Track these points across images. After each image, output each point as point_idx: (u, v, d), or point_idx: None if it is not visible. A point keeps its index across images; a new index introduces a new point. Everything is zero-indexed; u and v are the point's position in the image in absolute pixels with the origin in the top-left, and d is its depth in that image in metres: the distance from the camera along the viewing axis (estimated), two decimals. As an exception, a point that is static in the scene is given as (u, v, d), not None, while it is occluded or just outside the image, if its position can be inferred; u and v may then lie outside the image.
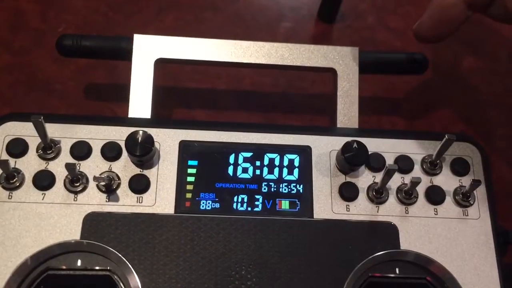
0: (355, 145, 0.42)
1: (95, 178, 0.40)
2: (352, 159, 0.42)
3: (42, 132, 0.40)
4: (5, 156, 0.42)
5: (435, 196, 0.44)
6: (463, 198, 0.44)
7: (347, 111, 0.48)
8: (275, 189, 0.44)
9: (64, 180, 0.42)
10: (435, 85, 0.59)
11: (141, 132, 0.41)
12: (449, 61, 0.61)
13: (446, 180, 0.45)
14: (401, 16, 0.63)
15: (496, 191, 0.45)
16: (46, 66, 0.56)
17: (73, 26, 0.59)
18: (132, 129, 0.43)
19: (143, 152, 0.41)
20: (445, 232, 0.43)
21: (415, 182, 0.41)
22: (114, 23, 0.59)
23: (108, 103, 0.55)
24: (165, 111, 0.55)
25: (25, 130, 0.43)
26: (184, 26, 0.60)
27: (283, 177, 0.44)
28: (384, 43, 0.61)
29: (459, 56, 0.61)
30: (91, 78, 0.56)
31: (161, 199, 0.42)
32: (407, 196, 0.43)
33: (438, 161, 0.44)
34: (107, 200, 0.42)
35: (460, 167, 0.45)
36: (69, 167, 0.40)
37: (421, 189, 0.44)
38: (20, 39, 0.57)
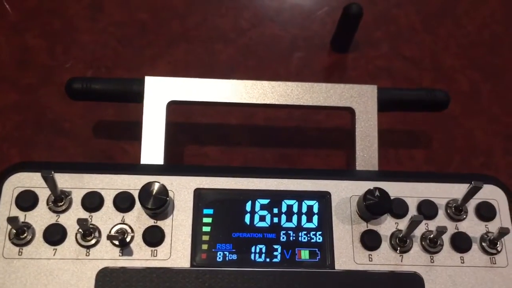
0: (377, 193, 0.41)
1: (108, 237, 0.38)
2: (374, 207, 0.41)
3: (52, 186, 0.39)
4: (14, 210, 0.41)
5: (461, 243, 0.42)
6: (490, 245, 0.42)
7: (366, 152, 0.46)
8: (294, 237, 0.42)
9: (76, 234, 0.40)
10: (454, 115, 0.57)
11: (155, 184, 0.40)
12: (467, 90, 0.59)
13: (472, 226, 0.43)
14: (416, 45, 0.61)
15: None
16: (54, 104, 0.55)
17: (81, 61, 0.57)
18: (145, 178, 0.41)
19: (158, 205, 0.39)
20: (473, 281, 0.41)
21: (441, 231, 0.40)
22: (123, 58, 0.58)
23: (119, 141, 0.54)
24: (177, 149, 0.54)
25: (34, 181, 0.41)
26: (195, 59, 0.58)
27: (302, 225, 0.42)
28: (399, 73, 0.59)
29: (478, 84, 0.59)
30: (101, 116, 0.55)
31: (176, 251, 0.41)
32: (432, 244, 0.42)
33: (463, 207, 0.43)
34: (121, 255, 0.40)
35: (486, 212, 0.43)
36: (81, 222, 0.38)
37: (446, 236, 0.42)
38: (27, 76, 0.56)
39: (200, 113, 0.56)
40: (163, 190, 0.40)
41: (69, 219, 0.41)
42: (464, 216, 0.43)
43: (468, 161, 0.55)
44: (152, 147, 0.45)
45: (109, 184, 0.42)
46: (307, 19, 0.62)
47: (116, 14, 0.60)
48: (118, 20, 0.59)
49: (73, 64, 0.57)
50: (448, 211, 0.43)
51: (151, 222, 0.41)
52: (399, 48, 0.61)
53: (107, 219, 0.41)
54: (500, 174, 0.54)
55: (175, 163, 0.52)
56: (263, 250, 0.41)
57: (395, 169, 0.54)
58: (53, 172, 0.38)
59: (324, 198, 0.43)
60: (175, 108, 0.52)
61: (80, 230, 0.40)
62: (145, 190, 0.40)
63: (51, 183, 0.39)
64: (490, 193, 0.44)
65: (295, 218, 0.43)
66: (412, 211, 0.43)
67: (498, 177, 0.46)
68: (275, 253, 0.41)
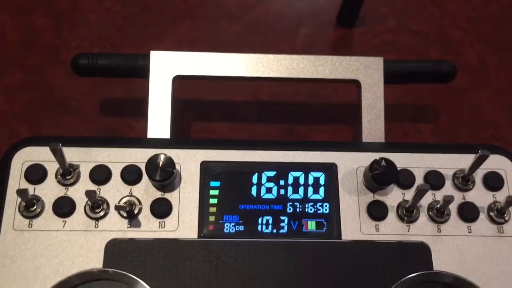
0: (383, 163, 0.41)
1: (116, 207, 0.39)
2: (380, 177, 0.41)
3: (61, 159, 0.39)
4: (23, 183, 0.41)
5: (469, 213, 0.42)
6: (498, 215, 0.42)
7: (373, 124, 0.46)
8: (300, 209, 0.42)
9: (85, 207, 0.41)
10: (461, 88, 0.57)
11: (162, 156, 0.40)
12: (475, 63, 0.59)
13: (479, 196, 0.43)
14: (424, 19, 0.61)
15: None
16: (61, 83, 0.55)
17: (87, 40, 0.57)
18: (152, 151, 0.42)
19: (165, 177, 0.40)
20: (480, 251, 0.41)
21: (448, 201, 0.40)
22: (129, 36, 0.58)
23: (126, 118, 0.54)
24: (184, 125, 0.54)
25: (43, 155, 0.42)
26: (200, 36, 0.58)
27: (309, 196, 0.43)
28: (407, 47, 0.59)
29: (485, 58, 0.59)
30: (108, 94, 0.55)
31: (184, 223, 0.41)
32: (439, 214, 0.42)
33: (470, 176, 0.43)
34: (129, 226, 0.41)
35: (493, 182, 0.43)
36: (89, 194, 0.39)
37: (453, 206, 0.42)
38: (34, 56, 0.56)
39: (207, 90, 0.56)
40: (170, 162, 0.40)
41: (78, 192, 0.41)
42: (471, 186, 0.43)
43: (475, 133, 0.55)
44: (159, 122, 0.45)
45: (117, 158, 0.42)
46: (312, -5, 0.62)
47: (121, -7, 0.60)
48: (122, -1, 0.59)
49: (79, 43, 0.57)
50: (455, 181, 0.43)
51: (158, 194, 0.42)
52: (406, 22, 0.60)
53: (115, 191, 0.41)
54: (509, 146, 0.53)
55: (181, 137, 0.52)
56: (270, 221, 0.42)
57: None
58: (61, 145, 0.38)
59: (330, 169, 0.43)
60: (181, 84, 0.52)
61: (89, 202, 0.40)
62: (152, 162, 0.40)
63: (59, 156, 0.39)
64: (498, 163, 0.44)
65: (301, 189, 0.43)
66: (419, 182, 0.43)
67: (506, 148, 0.46)
68: (281, 224, 0.42)
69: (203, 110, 0.55)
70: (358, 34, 0.60)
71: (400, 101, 0.56)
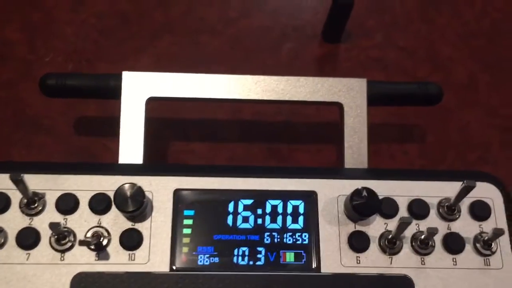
0: (364, 193, 0.39)
1: (80, 242, 0.37)
2: (362, 208, 0.39)
3: (23, 189, 0.37)
4: (-15, 213, 0.39)
5: (454, 244, 0.40)
6: (484, 246, 0.40)
7: (355, 149, 0.44)
8: (278, 239, 0.40)
9: (50, 238, 0.38)
10: (449, 108, 0.55)
11: (130, 186, 0.38)
12: (464, 81, 0.57)
13: (465, 226, 0.41)
14: (411, 34, 0.59)
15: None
16: (34, 100, 0.53)
17: (62, 54, 0.55)
18: (123, 178, 0.40)
19: (134, 208, 0.38)
20: (466, 284, 0.39)
21: (432, 233, 0.38)
22: (105, 51, 0.56)
23: (100, 138, 0.52)
24: (162, 145, 0.52)
25: (6, 182, 0.39)
26: (179, 52, 0.56)
27: (287, 226, 0.41)
28: (393, 64, 0.57)
29: (476, 75, 0.57)
30: (82, 112, 0.53)
31: (155, 255, 0.39)
32: (423, 245, 0.40)
33: (456, 206, 0.41)
34: (97, 259, 0.38)
35: (480, 211, 0.41)
36: (53, 226, 0.36)
37: (438, 237, 0.40)
38: (6, 71, 0.54)
39: (186, 109, 0.54)
40: (140, 192, 0.38)
41: (43, 222, 0.39)
42: (457, 216, 0.41)
43: (463, 155, 0.53)
44: (131, 146, 0.43)
45: (85, 185, 0.40)
46: (297, 8, 0.60)
47: (98, 5, 0.57)
48: (99, 11, 0.57)
49: (53, 58, 0.55)
50: (440, 210, 0.41)
51: (128, 224, 0.39)
52: (394, 38, 0.58)
53: (82, 221, 0.39)
54: (498, 168, 0.52)
55: (159, 160, 0.50)
56: (246, 253, 0.40)
57: (388, 164, 0.52)
58: (22, 175, 0.36)
59: (310, 197, 0.41)
60: (160, 104, 0.50)
61: (54, 234, 0.38)
62: (120, 193, 0.38)
63: (21, 186, 0.37)
64: (485, 191, 0.42)
65: (279, 219, 0.41)
66: (403, 211, 0.41)
67: (496, 171, 0.44)
68: (258, 255, 0.40)
69: (181, 129, 0.53)
70: (343, 49, 0.58)
71: (386, 121, 0.54)
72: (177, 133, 0.53)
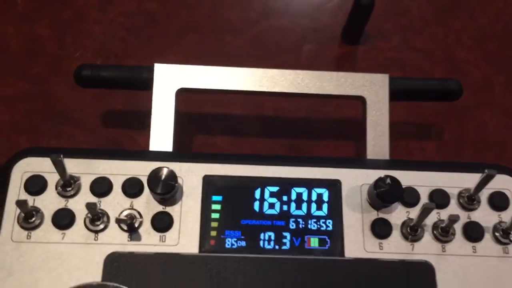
0: (388, 180, 0.40)
1: (117, 220, 0.38)
2: (385, 195, 0.40)
3: (61, 170, 0.39)
4: (23, 194, 0.40)
5: (474, 233, 0.41)
6: (503, 235, 0.41)
7: (377, 141, 0.45)
8: (303, 225, 0.42)
9: (85, 219, 0.40)
10: (466, 107, 0.57)
11: (164, 170, 0.39)
12: (480, 82, 0.58)
13: (485, 216, 0.42)
14: (428, 37, 0.61)
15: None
16: (64, 94, 0.55)
17: (90, 51, 0.57)
18: (154, 164, 0.41)
19: (166, 190, 0.39)
20: (485, 271, 0.40)
21: (453, 220, 0.39)
22: (133, 48, 0.58)
23: (128, 130, 0.53)
24: (186, 139, 0.53)
25: (43, 165, 0.41)
26: (205, 50, 0.58)
27: (312, 212, 0.42)
28: (411, 65, 0.59)
29: (491, 77, 0.59)
30: (110, 105, 0.55)
31: (184, 237, 0.40)
32: (444, 233, 0.41)
33: (475, 196, 0.42)
34: (129, 240, 0.40)
35: (499, 202, 0.42)
36: (90, 206, 0.38)
37: (458, 226, 0.42)
38: (37, 66, 0.56)
39: (211, 104, 0.55)
40: (172, 175, 0.39)
41: (78, 204, 0.40)
42: (477, 206, 0.42)
43: (480, 153, 0.54)
44: (161, 135, 0.44)
45: (118, 170, 0.42)
46: (317, 11, 0.62)
47: (125, 4, 0.60)
48: (127, 10, 0.59)
49: (82, 54, 0.57)
50: (461, 200, 0.42)
51: (159, 208, 0.41)
52: (411, 40, 0.60)
53: (115, 204, 0.41)
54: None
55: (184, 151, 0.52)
56: (272, 237, 0.41)
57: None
58: (62, 156, 0.38)
59: (334, 186, 0.43)
60: (185, 98, 0.52)
61: (89, 214, 0.40)
62: (154, 175, 0.39)
63: (60, 167, 0.39)
64: (503, 183, 0.43)
65: (304, 206, 0.42)
66: (424, 200, 0.42)
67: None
68: (284, 240, 0.41)
69: (205, 124, 0.55)
70: (362, 51, 0.60)
71: (404, 119, 0.55)
72: (201, 127, 0.54)
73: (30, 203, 0.40)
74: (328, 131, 0.55)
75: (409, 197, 0.42)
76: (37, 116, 0.54)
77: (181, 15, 0.60)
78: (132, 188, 0.41)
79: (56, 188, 0.41)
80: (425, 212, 0.39)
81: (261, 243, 0.41)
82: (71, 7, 0.59)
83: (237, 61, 0.58)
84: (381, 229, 0.41)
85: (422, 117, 0.56)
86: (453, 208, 0.42)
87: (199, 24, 0.59)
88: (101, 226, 0.40)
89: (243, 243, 0.41)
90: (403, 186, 0.41)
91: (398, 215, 0.42)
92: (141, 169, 0.42)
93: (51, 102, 0.54)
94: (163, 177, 0.39)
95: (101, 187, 0.41)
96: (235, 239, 0.41)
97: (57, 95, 0.55)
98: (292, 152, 0.54)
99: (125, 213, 0.40)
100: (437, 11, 0.62)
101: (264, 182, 0.42)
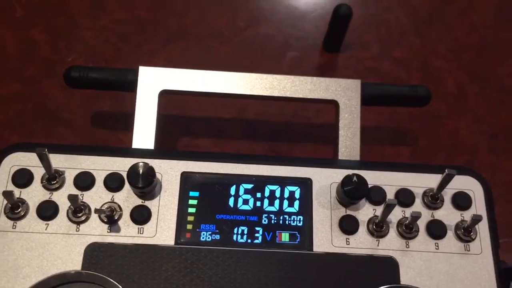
0: (354, 178, 0.42)
1: (96, 210, 0.40)
2: (351, 192, 0.42)
3: (46, 164, 0.41)
4: (10, 186, 0.43)
5: (436, 230, 0.43)
6: (465, 233, 0.43)
7: (349, 143, 0.48)
8: (275, 221, 0.44)
9: (67, 211, 0.42)
10: (440, 115, 0.59)
11: (142, 164, 0.42)
12: (454, 91, 0.61)
13: (448, 215, 0.44)
14: (405, 47, 0.63)
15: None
16: (55, 95, 0.57)
17: (82, 56, 0.60)
18: (135, 160, 0.43)
19: (145, 184, 0.42)
20: (446, 267, 0.42)
21: (416, 217, 0.41)
22: (123, 54, 0.60)
23: (115, 132, 0.56)
24: (170, 140, 0.56)
25: (31, 160, 0.44)
26: (191, 56, 0.61)
27: (284, 209, 0.44)
28: (388, 73, 0.61)
29: (465, 86, 0.61)
30: (99, 107, 0.57)
31: (162, 230, 0.43)
32: (407, 230, 0.43)
33: (439, 195, 0.44)
34: (109, 231, 0.42)
35: (461, 201, 0.44)
36: (72, 198, 0.40)
37: (422, 223, 0.44)
38: (30, 69, 0.59)
39: (194, 106, 0.58)
40: (151, 170, 0.42)
41: (62, 197, 0.43)
42: (440, 205, 0.44)
43: (452, 158, 0.57)
44: (144, 134, 0.47)
45: (101, 165, 0.44)
46: (301, 20, 0.65)
47: (117, 12, 0.62)
48: (118, 18, 0.62)
49: (74, 58, 0.60)
50: (425, 199, 0.44)
51: (139, 201, 0.43)
52: (389, 50, 0.63)
53: (97, 197, 0.43)
54: (483, 172, 0.55)
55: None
56: (245, 232, 0.43)
57: (380, 164, 0.55)
58: (46, 150, 0.40)
59: (305, 184, 0.45)
60: (170, 101, 0.54)
61: (71, 206, 0.42)
62: (134, 169, 0.42)
63: (45, 161, 0.41)
64: (467, 183, 0.45)
65: (277, 202, 0.44)
66: (390, 198, 0.44)
67: (481, 174, 0.48)
68: (256, 234, 0.43)
69: (189, 126, 0.57)
70: (342, 59, 0.62)
71: (380, 125, 0.58)
72: (184, 130, 0.57)
73: (17, 195, 0.42)
74: (307, 135, 0.58)
75: (376, 195, 0.44)
76: (29, 115, 0.56)
77: (170, 22, 0.63)
78: (113, 182, 0.43)
79: (42, 181, 0.43)
80: (388, 208, 0.41)
81: (235, 236, 0.43)
82: (65, 15, 0.62)
83: (223, 67, 0.60)
84: (348, 225, 0.43)
85: (398, 124, 0.58)
86: (418, 206, 0.44)
87: (187, 31, 0.62)
88: (83, 218, 0.42)
89: (217, 237, 0.43)
90: (371, 185, 0.44)
91: (365, 212, 0.44)
92: (123, 165, 0.44)
93: (43, 102, 0.57)
94: (141, 171, 0.42)
95: (84, 181, 0.43)
96: (210, 233, 0.43)
97: (48, 96, 0.57)
98: (272, 154, 0.56)
99: (106, 206, 0.43)
100: (415, 23, 0.65)
101: (239, 179, 0.45)
